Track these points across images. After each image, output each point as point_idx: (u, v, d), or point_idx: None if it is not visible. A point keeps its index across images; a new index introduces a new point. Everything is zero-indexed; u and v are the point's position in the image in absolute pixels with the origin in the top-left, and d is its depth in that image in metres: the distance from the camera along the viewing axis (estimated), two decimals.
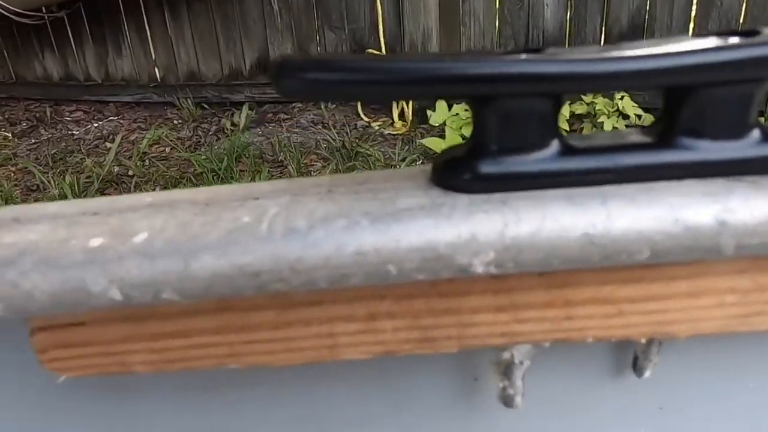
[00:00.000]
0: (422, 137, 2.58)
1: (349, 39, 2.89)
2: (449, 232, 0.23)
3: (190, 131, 2.96)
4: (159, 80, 3.24)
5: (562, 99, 0.24)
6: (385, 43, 2.76)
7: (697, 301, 0.25)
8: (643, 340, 0.28)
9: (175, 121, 3.10)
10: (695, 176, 0.23)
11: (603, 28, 2.53)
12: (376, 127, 2.74)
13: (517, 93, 0.23)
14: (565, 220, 0.22)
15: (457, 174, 0.24)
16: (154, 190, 2.38)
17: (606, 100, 2.41)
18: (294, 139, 2.68)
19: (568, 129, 2.41)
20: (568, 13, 2.55)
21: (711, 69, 0.22)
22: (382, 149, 2.53)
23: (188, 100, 3.11)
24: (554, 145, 0.24)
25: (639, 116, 2.45)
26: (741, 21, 2.34)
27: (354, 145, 2.51)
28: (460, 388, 0.33)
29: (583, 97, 2.44)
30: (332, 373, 0.33)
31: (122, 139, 2.89)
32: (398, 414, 0.34)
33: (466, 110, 2.54)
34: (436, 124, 2.57)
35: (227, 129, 2.89)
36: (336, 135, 2.64)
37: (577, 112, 2.43)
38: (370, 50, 2.78)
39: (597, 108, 2.39)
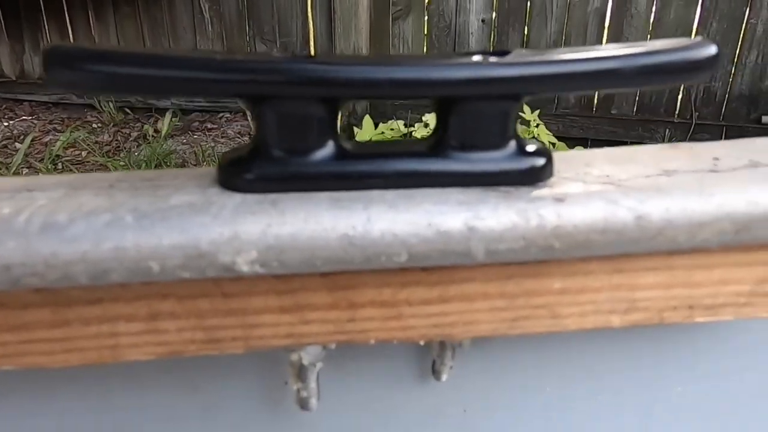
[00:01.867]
0: None
1: (281, 52, 2.90)
2: (213, 231, 0.23)
3: (109, 136, 2.86)
4: None
5: (339, 103, 0.24)
6: None
7: (471, 305, 0.27)
8: (422, 343, 0.29)
9: (95, 125, 2.98)
10: (456, 185, 0.25)
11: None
12: None
13: (289, 95, 0.23)
14: (327, 222, 0.23)
15: (237, 173, 0.25)
16: None
17: (523, 127, 2.53)
18: (219, 149, 2.65)
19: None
20: (491, 44, 2.67)
21: (468, 83, 0.23)
22: None
23: (110, 103, 3.00)
24: (329, 149, 0.25)
25: (553, 144, 2.59)
26: None
27: None
28: (270, 390, 0.33)
29: None
30: (137, 374, 0.32)
31: (34, 140, 2.75)
32: (209, 416, 0.33)
33: (392, 129, 2.60)
34: (362, 141, 2.62)
35: (149, 135, 2.81)
36: None
37: None
38: None
39: None
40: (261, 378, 0.33)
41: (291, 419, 0.34)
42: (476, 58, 0.24)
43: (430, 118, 2.60)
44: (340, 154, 0.25)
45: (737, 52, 2.47)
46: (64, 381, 0.32)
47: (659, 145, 0.29)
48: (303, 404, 0.31)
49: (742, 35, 2.45)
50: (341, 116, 2.76)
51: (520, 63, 0.24)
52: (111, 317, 0.26)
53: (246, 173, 0.25)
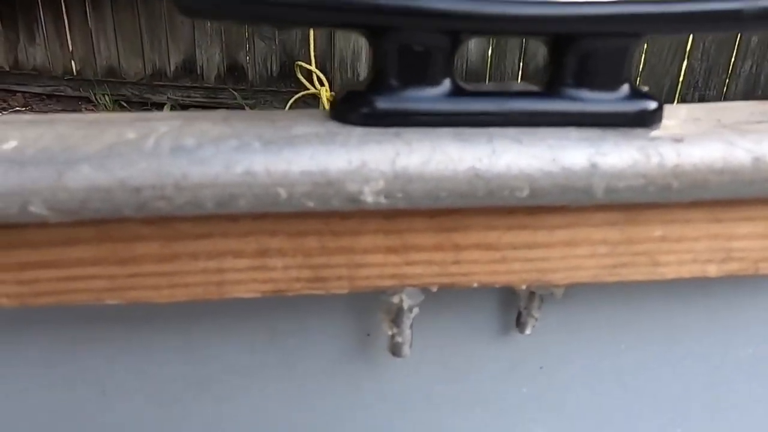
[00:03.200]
0: None
1: (279, 50, 2.89)
2: (341, 159, 0.23)
3: None
4: (75, 73, 3.08)
5: (459, 38, 0.24)
6: (315, 58, 2.78)
7: (573, 250, 0.27)
8: (524, 287, 0.29)
9: None
10: (574, 124, 0.25)
11: (521, 63, 2.69)
12: None
13: (413, 26, 0.23)
14: (454, 153, 0.23)
15: (355, 108, 0.24)
16: None
17: None
18: None
19: None
20: (490, 46, 2.69)
21: (590, 20, 0.23)
22: None
23: (106, 96, 2.98)
24: (447, 85, 0.25)
25: None
26: (642, 64, 2.57)
27: None
28: (352, 341, 0.33)
29: None
30: (222, 313, 0.32)
31: None
32: (288, 364, 0.33)
33: None
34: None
35: None
36: None
37: None
38: (300, 62, 2.79)
39: None
40: (344, 327, 0.33)
41: (374, 369, 0.34)
42: None
43: None
44: (458, 91, 0.25)
45: (732, 60, 2.51)
46: (148, 319, 0.32)
47: (754, 101, 0.29)
48: (396, 351, 0.31)
49: (737, 44, 2.49)
50: None
51: (643, 0, 0.24)
52: (219, 252, 0.26)
53: (365, 107, 0.24)
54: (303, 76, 2.80)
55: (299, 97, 2.84)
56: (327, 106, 2.77)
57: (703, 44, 2.52)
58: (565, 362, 0.35)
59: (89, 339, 0.33)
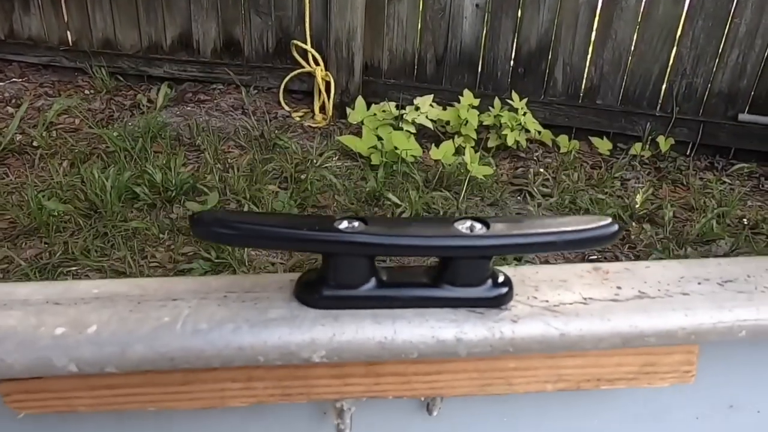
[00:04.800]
0: (341, 133, 2.67)
1: (275, 26, 2.91)
2: (298, 338, 0.36)
3: (102, 103, 2.87)
4: (71, 44, 3.10)
5: (375, 257, 0.37)
6: (311, 36, 2.81)
7: (455, 376, 0.40)
8: (423, 399, 0.44)
9: (87, 91, 2.99)
10: (451, 306, 0.38)
11: (514, 46, 2.73)
12: (297, 118, 2.80)
13: (345, 253, 0.37)
14: (369, 333, 0.37)
15: (309, 293, 0.38)
16: (61, 165, 2.32)
17: (511, 114, 2.61)
18: (213, 123, 2.69)
19: (476, 137, 2.59)
20: (485, 29, 2.72)
21: (455, 249, 0.37)
22: (301, 141, 2.60)
23: (102, 69, 3.00)
24: (372, 281, 0.38)
25: (539, 131, 2.68)
26: (632, 49, 2.62)
27: (273, 136, 2.56)
28: (313, 422, 0.48)
29: (491, 108, 2.63)
30: (225, 416, 0.46)
31: (28, 105, 2.75)
32: None
33: (383, 111, 2.66)
34: (354, 122, 2.68)
35: (143, 105, 2.83)
36: (255, 123, 2.68)
37: (485, 122, 2.62)
38: (296, 41, 2.82)
39: (502, 121, 2.59)
40: (311, 416, 0.47)
41: None
42: (464, 228, 0.37)
43: (420, 102, 2.66)
44: (379, 284, 0.38)
45: (720, 50, 2.56)
46: (174, 418, 0.46)
47: (588, 266, 0.42)
48: None
49: (726, 34, 2.53)
50: (333, 94, 2.81)
51: (495, 235, 0.36)
52: (221, 380, 0.39)
53: (315, 294, 0.37)
54: (299, 54, 2.83)
55: (294, 75, 2.89)
56: (322, 86, 2.80)
57: (693, 32, 2.56)
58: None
59: None
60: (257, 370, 0.39)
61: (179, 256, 1.87)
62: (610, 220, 0.37)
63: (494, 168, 2.44)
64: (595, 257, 1.99)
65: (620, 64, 2.67)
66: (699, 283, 0.39)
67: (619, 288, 0.39)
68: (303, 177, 2.29)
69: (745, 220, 2.25)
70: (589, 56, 2.69)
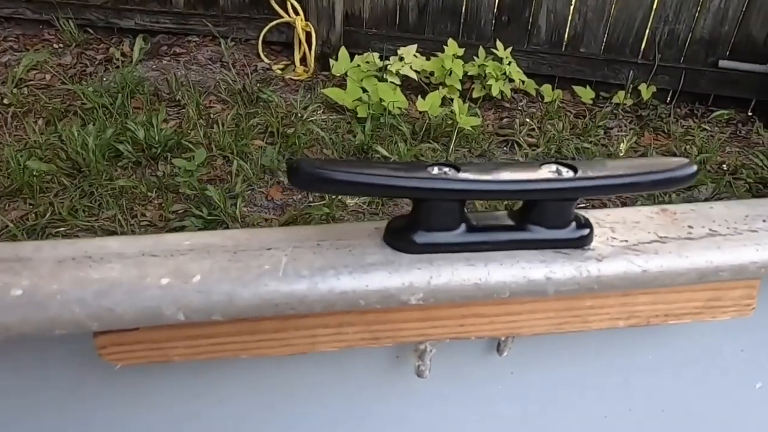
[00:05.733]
0: (324, 85, 2.62)
1: None
2: (397, 281, 0.37)
3: (73, 58, 2.75)
4: None
5: (464, 201, 0.38)
6: None
7: (534, 316, 0.42)
8: (503, 338, 0.46)
9: (55, 45, 2.86)
10: (539, 248, 0.39)
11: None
12: (278, 71, 2.73)
13: (438, 198, 0.38)
14: (464, 275, 0.38)
15: (401, 240, 0.39)
16: (36, 123, 2.24)
17: (495, 63, 2.59)
18: (192, 77, 2.61)
19: (460, 88, 2.58)
20: None
21: (546, 192, 0.38)
22: (284, 95, 2.55)
23: (69, 21, 2.86)
24: (462, 227, 0.39)
25: (522, 81, 2.67)
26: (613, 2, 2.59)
27: (255, 89, 2.50)
28: (392, 367, 0.50)
29: (475, 58, 2.60)
30: (307, 361, 0.47)
31: None
32: (356, 382, 0.50)
33: (367, 62, 2.62)
34: (338, 74, 2.63)
35: (116, 59, 2.72)
36: (236, 76, 2.61)
37: (470, 73, 2.60)
38: None
39: (487, 71, 2.57)
40: (387, 361, 0.49)
41: (403, 384, 0.51)
42: (552, 171, 0.37)
43: (405, 52, 2.62)
44: (469, 229, 0.39)
45: None
46: (265, 367, 0.47)
47: (654, 208, 0.44)
48: (420, 374, 0.48)
49: None
50: (314, 46, 2.74)
51: (583, 178, 0.35)
52: (313, 326, 0.40)
53: (407, 240, 0.38)
54: (277, 3, 2.74)
55: (273, 26, 2.80)
56: (302, 36, 2.72)
57: None
58: (532, 374, 0.52)
59: (221, 387, 0.48)
60: (348, 315, 0.40)
61: (170, 214, 1.85)
62: (688, 161, 0.38)
63: (481, 119, 2.44)
64: (584, 205, 2.03)
65: (604, 10, 2.65)
66: (764, 221, 0.42)
67: (690, 227, 0.41)
68: (290, 131, 2.25)
69: (725, 165, 2.31)
70: (573, 3, 2.66)
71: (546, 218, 0.39)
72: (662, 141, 2.51)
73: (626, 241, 0.40)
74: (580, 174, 0.37)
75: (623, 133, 2.49)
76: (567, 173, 0.37)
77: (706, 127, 2.60)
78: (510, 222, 0.40)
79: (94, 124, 2.15)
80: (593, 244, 0.40)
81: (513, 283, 0.38)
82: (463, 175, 0.36)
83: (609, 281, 0.39)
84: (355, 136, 2.28)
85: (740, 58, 2.63)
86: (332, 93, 2.46)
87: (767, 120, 2.64)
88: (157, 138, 2.10)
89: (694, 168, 0.38)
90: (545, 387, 0.53)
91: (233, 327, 0.39)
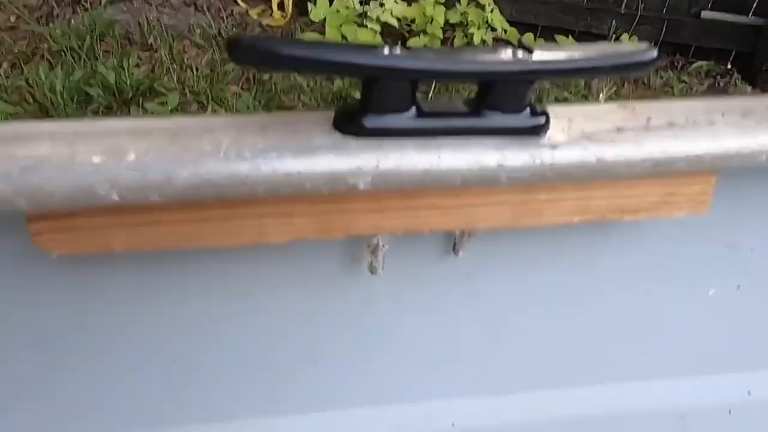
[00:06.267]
0: (302, 31, 2.55)
1: None
2: (343, 164, 0.36)
3: None
4: None
5: (417, 82, 0.36)
6: None
7: (489, 209, 0.41)
8: (457, 232, 0.45)
9: None
10: (491, 134, 0.38)
11: None
12: (255, 16, 2.65)
13: (389, 77, 0.36)
14: (414, 159, 0.36)
15: (350, 123, 0.37)
16: (0, 66, 2.15)
17: (478, 11, 2.54)
18: (165, 20, 2.52)
19: (441, 37, 2.53)
20: None
21: (502, 74, 0.36)
22: None
23: None
24: (413, 110, 0.37)
25: (505, 30, 2.63)
26: None
27: (231, 34, 2.43)
28: (342, 264, 0.49)
29: (457, 5, 2.55)
30: (258, 257, 0.47)
31: None
32: (307, 277, 0.49)
33: (347, 7, 2.55)
34: (317, 20, 2.56)
35: (85, 1, 2.61)
36: (211, 20, 2.52)
37: (451, 20, 2.55)
38: None
39: (469, 18, 2.53)
40: (340, 257, 0.49)
41: (358, 281, 0.51)
42: (507, 53, 0.36)
43: None
44: (419, 114, 0.37)
45: None
46: (211, 257, 0.47)
47: (615, 104, 0.43)
48: (373, 270, 0.48)
49: None
50: None
51: (541, 61, 0.35)
52: (261, 215, 0.39)
53: (357, 124, 0.37)
54: None
55: None
56: None
57: None
58: (484, 274, 0.53)
59: (170, 280, 0.48)
60: (298, 205, 0.39)
61: None
62: (648, 46, 0.37)
63: None
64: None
65: None
66: (723, 115, 0.41)
67: (649, 118, 0.41)
68: (266, 78, 2.20)
69: None
70: None
71: (501, 104, 0.38)
72: (641, 92, 2.50)
73: (583, 131, 0.39)
74: (536, 57, 0.36)
75: (603, 84, 2.48)
76: (523, 55, 0.36)
77: (685, 80, 2.60)
78: (463, 108, 0.39)
79: (62, 68, 2.08)
80: (549, 133, 0.39)
81: (465, 169, 0.37)
82: (415, 54, 0.35)
83: (563, 170, 0.38)
84: (333, 83, 2.24)
85: (723, 9, 2.61)
86: (311, 38, 2.40)
87: (745, 73, 2.64)
88: (128, 82, 2.03)
89: (654, 53, 0.37)
90: (501, 291, 0.53)
91: (176, 214, 0.38)
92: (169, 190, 0.34)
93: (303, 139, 0.36)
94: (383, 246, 0.45)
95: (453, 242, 0.48)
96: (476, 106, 0.38)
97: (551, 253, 0.52)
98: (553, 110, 0.40)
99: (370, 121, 0.37)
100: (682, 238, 0.53)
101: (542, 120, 0.38)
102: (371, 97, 0.36)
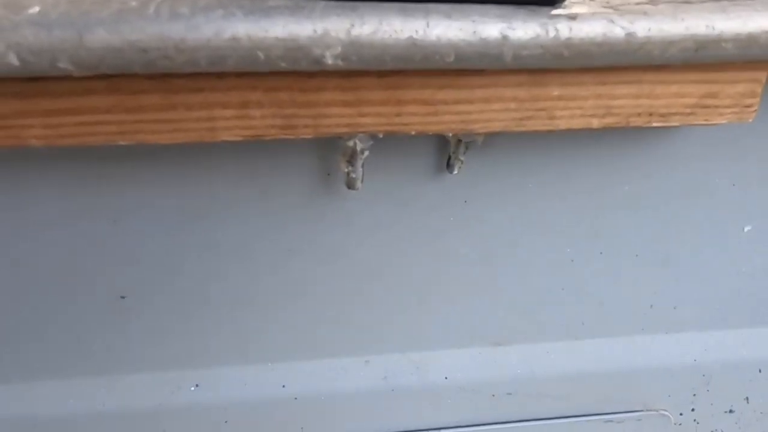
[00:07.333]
0: None
1: None
2: (308, 28, 0.28)
3: None
4: None
5: None
6: None
7: (490, 106, 0.34)
8: (451, 137, 0.38)
9: None
10: (495, 1, 0.31)
11: None
12: None
13: None
14: (397, 25, 0.29)
15: None
16: None
17: None
18: None
19: None
20: None
21: None
22: None
23: None
24: None
25: None
26: None
27: None
28: (316, 177, 0.42)
29: None
30: (213, 154, 0.39)
31: None
32: (266, 196, 0.42)
33: None
34: None
35: None
36: None
37: None
38: None
39: None
40: (309, 168, 0.41)
41: (334, 201, 0.43)
42: None
43: None
44: None
45: None
46: (152, 158, 0.39)
47: None
48: (350, 185, 0.40)
49: None
50: None
51: None
52: (210, 104, 0.32)
53: None
54: None
55: None
56: None
57: None
58: (484, 196, 0.45)
59: (102, 175, 0.40)
60: (254, 93, 0.32)
61: None
62: None
63: None
64: None
65: None
66: None
67: None
68: None
69: None
70: None
71: None
72: None
73: (608, 1, 0.32)
74: None
75: None
76: None
77: None
78: None
79: None
80: (566, 2, 0.31)
81: (460, 40, 0.30)
82: None
83: (583, 47, 0.31)
84: None
85: None
86: None
87: None
88: None
89: None
90: (504, 221, 0.46)
91: (104, 100, 0.31)
92: (83, 53, 0.27)
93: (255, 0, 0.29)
94: (362, 152, 0.38)
95: (447, 154, 0.41)
96: None
97: (562, 175, 0.45)
98: None
99: None
100: (718, 165, 0.45)
101: None
102: None
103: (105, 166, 0.39)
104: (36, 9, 0.27)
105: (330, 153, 0.41)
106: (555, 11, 0.31)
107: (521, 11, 0.31)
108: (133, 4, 0.27)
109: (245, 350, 0.49)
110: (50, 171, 0.39)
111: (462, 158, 0.40)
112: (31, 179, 0.39)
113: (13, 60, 0.27)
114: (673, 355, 0.54)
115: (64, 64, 0.27)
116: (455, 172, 0.41)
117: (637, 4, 0.32)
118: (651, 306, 0.52)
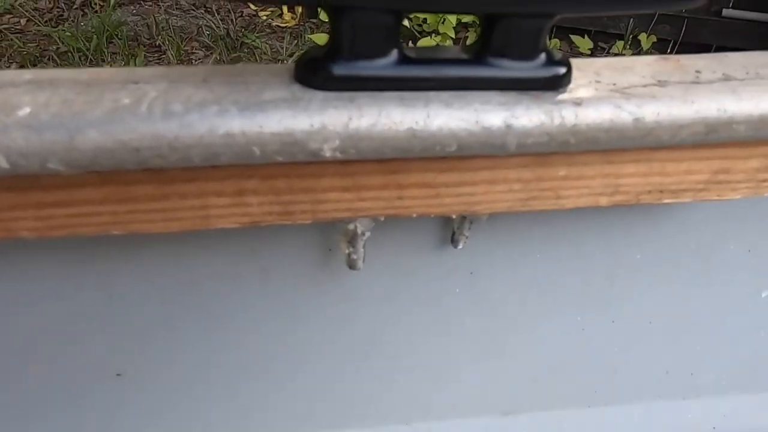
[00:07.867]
0: (312, 32, 2.52)
1: None
2: (304, 122, 0.27)
3: (49, 2, 2.63)
4: None
5: (401, 15, 0.28)
6: None
7: (493, 187, 0.33)
8: (454, 217, 0.37)
9: None
10: (495, 88, 0.29)
11: None
12: (264, 17, 2.62)
13: (365, 6, 0.27)
14: (396, 117, 0.28)
15: (315, 73, 0.28)
16: (9, 67, 2.14)
17: None
18: (173, 22, 2.49)
19: (454, 36, 2.47)
20: None
21: (509, 3, 0.27)
22: (270, 42, 2.45)
23: None
24: (394, 55, 0.28)
25: None
26: None
27: (239, 35, 2.40)
28: (317, 257, 0.41)
29: None
30: (209, 242, 0.38)
31: None
32: (266, 276, 0.41)
33: None
34: (326, 20, 2.52)
35: (95, 4, 2.60)
36: (220, 22, 2.49)
37: (464, 20, 2.49)
38: None
39: None
40: (309, 246, 0.40)
41: (335, 279, 0.42)
42: None
43: None
44: (403, 60, 0.29)
45: None
46: (148, 246, 0.38)
47: (653, 57, 0.34)
48: (352, 265, 0.38)
49: None
50: None
51: None
52: (203, 193, 0.31)
53: (323, 73, 0.28)
54: None
55: None
56: None
57: None
58: (490, 268, 0.44)
59: (98, 263, 0.39)
60: (249, 182, 0.31)
61: None
62: None
63: None
64: None
65: None
66: None
67: (698, 72, 0.32)
68: None
69: None
70: None
71: (508, 46, 0.28)
72: None
73: (614, 84, 0.31)
74: None
75: None
76: None
77: None
78: (461, 55, 0.30)
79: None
80: (570, 86, 0.30)
81: (462, 130, 0.28)
82: None
83: (590, 133, 0.29)
84: None
85: (745, 6, 2.53)
86: (319, 39, 2.36)
87: None
88: None
89: None
90: (512, 291, 0.45)
91: (96, 192, 0.30)
92: (75, 155, 0.26)
93: (252, 92, 0.28)
94: (363, 234, 0.36)
95: (451, 231, 0.40)
96: (478, 51, 0.29)
97: (571, 246, 0.43)
98: (574, 62, 0.32)
99: (340, 68, 0.28)
100: (733, 231, 0.43)
101: (562, 69, 0.29)
102: (342, 37, 0.27)
103: (100, 244, 0.38)
104: (27, 110, 0.26)
105: (331, 231, 0.40)
106: (560, 96, 0.30)
107: (525, 97, 0.29)
108: (126, 101, 0.27)
109: (245, 426, 0.48)
110: (44, 249, 0.38)
111: (467, 234, 0.40)
112: (25, 270, 0.38)
113: (3, 163, 0.26)
114: (691, 421, 0.52)
115: (54, 165, 0.26)
116: (460, 246, 0.40)
117: (645, 86, 0.31)
118: (667, 372, 0.50)
